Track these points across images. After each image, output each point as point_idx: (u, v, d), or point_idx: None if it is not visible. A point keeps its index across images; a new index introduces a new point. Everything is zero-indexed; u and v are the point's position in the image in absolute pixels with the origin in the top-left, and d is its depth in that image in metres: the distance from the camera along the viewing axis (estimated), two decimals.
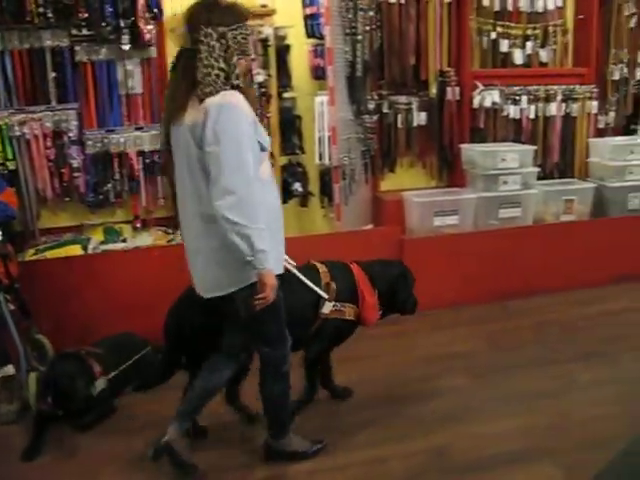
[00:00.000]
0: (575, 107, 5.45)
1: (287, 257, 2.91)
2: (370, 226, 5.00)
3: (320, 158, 4.76)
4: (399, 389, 3.68)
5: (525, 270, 4.94)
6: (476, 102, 5.17)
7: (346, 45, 4.65)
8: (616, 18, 5.48)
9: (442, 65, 5.07)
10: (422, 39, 4.92)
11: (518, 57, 5.35)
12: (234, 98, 2.52)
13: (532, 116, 5.37)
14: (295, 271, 3.02)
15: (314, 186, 4.96)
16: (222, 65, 2.52)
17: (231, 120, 2.48)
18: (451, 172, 5.34)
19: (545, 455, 3.08)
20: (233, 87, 2.55)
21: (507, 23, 5.29)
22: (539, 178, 5.23)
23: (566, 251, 5.05)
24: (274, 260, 2.60)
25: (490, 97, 5.16)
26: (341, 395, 3.57)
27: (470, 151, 5.06)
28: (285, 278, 2.79)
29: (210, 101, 2.49)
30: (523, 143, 5.28)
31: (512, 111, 5.30)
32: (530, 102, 5.33)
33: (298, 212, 5.03)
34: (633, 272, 5.19)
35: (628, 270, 5.19)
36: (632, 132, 5.78)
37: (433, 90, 5.08)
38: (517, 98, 5.29)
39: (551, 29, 5.40)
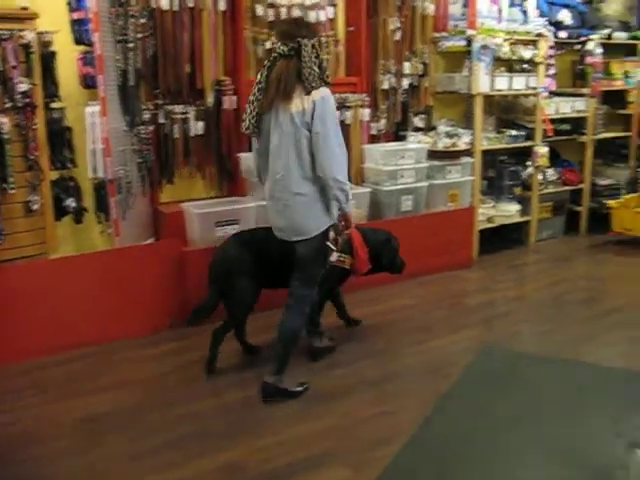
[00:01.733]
0: (349, 115, 5.62)
1: None
2: (151, 240, 4.83)
3: (94, 172, 4.51)
4: (181, 408, 3.59)
5: None
6: None
7: (117, 53, 4.43)
8: (382, 31, 5.73)
9: (218, 74, 5.00)
10: (197, 47, 4.81)
11: None
12: (329, 92, 3.46)
13: None
14: None
15: (89, 201, 4.69)
16: (316, 68, 3.40)
17: (330, 108, 3.45)
18: (230, 181, 5.29)
19: (336, 457, 3.15)
20: (325, 83, 3.46)
21: None
22: None
23: None
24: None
25: None
26: (351, 322, 4.65)
27: (249, 160, 5.04)
28: None
29: (315, 94, 3.38)
30: None
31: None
32: None
33: (73, 229, 4.74)
34: (412, 269, 5.46)
35: (408, 267, 5.44)
36: (402, 138, 6.09)
37: (209, 99, 5.00)
38: None
39: (324, 40, 5.50)
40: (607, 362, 4.13)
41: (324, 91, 3.41)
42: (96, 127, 4.41)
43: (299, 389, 3.72)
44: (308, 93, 3.37)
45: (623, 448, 3.21)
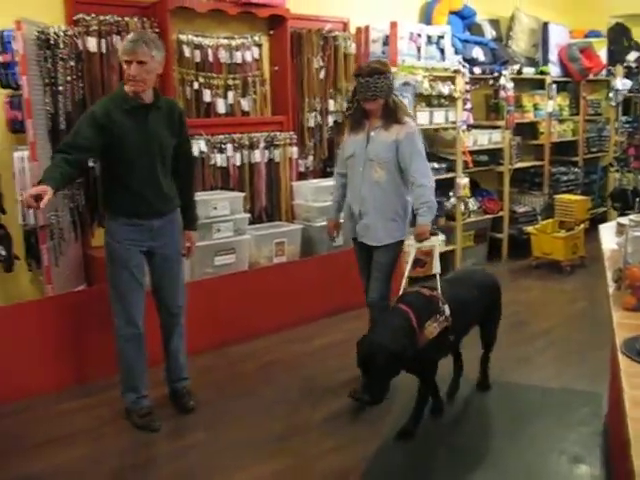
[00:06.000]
0: (277, 153, 5.68)
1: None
2: (83, 286, 4.71)
3: (24, 219, 4.37)
4: (130, 458, 3.50)
5: (245, 314, 5.01)
6: None
7: (46, 96, 4.36)
8: (307, 70, 5.83)
9: None
10: None
11: (221, 106, 5.44)
12: None
13: (238, 163, 5.48)
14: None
15: (19, 249, 4.53)
16: None
17: None
18: None
19: None
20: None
21: (209, 74, 5.35)
22: (250, 223, 5.36)
23: (282, 291, 5.23)
24: None
25: (197, 146, 5.17)
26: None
27: None
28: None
29: None
30: (232, 190, 5.37)
31: (219, 159, 5.35)
32: (235, 150, 5.44)
33: (3, 278, 4.57)
34: (343, 304, 5.53)
35: (339, 302, 5.51)
36: (329, 174, 6.16)
37: None
38: (223, 146, 5.36)
39: (250, 79, 5.57)
40: (544, 383, 4.28)
41: None
42: (25, 172, 4.28)
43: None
44: None
45: (567, 464, 3.36)
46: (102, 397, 4.15)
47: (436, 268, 3.77)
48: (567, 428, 3.70)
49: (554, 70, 7.77)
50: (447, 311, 3.54)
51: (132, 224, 3.69)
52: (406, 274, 3.80)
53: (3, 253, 4.38)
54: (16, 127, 4.39)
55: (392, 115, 3.98)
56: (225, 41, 5.40)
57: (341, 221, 4.42)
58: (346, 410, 3.96)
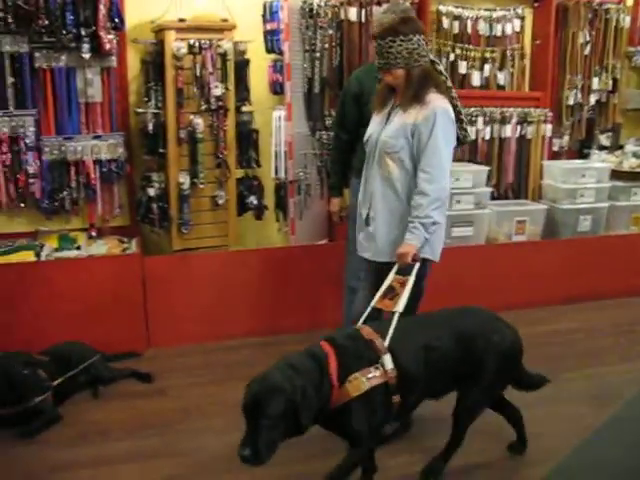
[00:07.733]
0: (530, 130, 5.54)
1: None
2: (324, 241, 5.05)
3: (276, 172, 4.79)
4: None
5: (475, 288, 5.01)
6: None
7: (305, 61, 4.69)
8: (571, 45, 5.59)
9: None
10: None
11: (476, 79, 5.44)
12: None
13: (487, 137, 5.45)
14: None
15: (269, 200, 4.99)
16: None
17: None
18: None
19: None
20: None
21: (466, 45, 5.37)
22: (493, 198, 5.33)
23: (516, 270, 5.16)
24: None
25: None
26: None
27: None
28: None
29: None
30: (478, 163, 5.36)
31: (468, 132, 5.34)
32: (486, 123, 5.40)
33: (253, 225, 5.07)
34: (581, 292, 5.31)
35: (576, 291, 5.31)
36: (585, 156, 5.91)
37: None
38: (473, 119, 5.35)
39: (509, 53, 5.50)
40: None
41: None
42: (281, 131, 4.68)
43: None
44: None
45: None
46: None
47: (399, 305, 2.85)
48: None
49: None
50: (388, 364, 2.67)
51: None
52: (372, 303, 2.96)
53: (255, 202, 4.86)
54: (276, 89, 4.82)
55: (413, 91, 3.06)
56: (486, 13, 5.37)
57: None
58: (556, 398, 3.84)
